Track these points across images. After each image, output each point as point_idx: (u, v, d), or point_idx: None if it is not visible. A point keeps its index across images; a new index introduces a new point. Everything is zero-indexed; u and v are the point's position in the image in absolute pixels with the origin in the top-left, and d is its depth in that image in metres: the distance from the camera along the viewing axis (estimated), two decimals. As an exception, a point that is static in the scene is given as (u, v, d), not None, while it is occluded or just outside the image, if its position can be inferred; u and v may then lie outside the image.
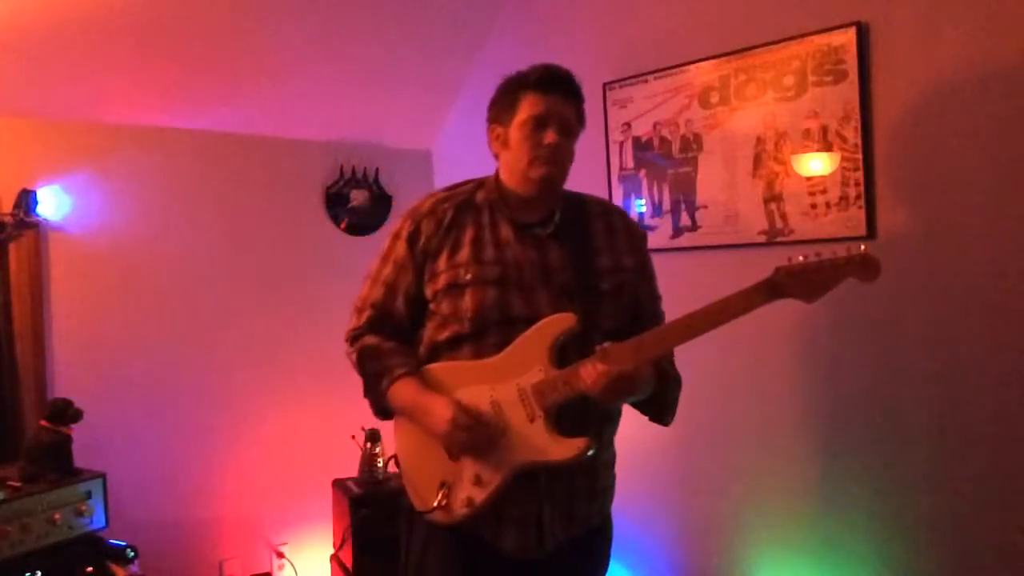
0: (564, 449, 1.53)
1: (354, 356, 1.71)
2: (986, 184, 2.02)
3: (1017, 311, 1.98)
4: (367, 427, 2.97)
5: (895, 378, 2.19)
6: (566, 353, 1.55)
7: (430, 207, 1.69)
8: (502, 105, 1.67)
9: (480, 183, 1.74)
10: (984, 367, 2.03)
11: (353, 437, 3.00)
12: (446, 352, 1.64)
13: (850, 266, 1.44)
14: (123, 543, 2.36)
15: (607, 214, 1.77)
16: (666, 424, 1.74)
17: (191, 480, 2.91)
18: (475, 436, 1.54)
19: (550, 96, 1.63)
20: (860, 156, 2.21)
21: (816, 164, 2.31)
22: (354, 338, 1.72)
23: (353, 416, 2.99)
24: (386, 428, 2.99)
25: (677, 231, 2.66)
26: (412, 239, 1.67)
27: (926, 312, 2.13)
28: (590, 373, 1.48)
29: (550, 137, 1.61)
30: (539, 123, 1.61)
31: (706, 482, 2.63)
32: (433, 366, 1.64)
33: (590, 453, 1.52)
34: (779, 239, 2.38)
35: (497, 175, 1.72)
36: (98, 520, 2.36)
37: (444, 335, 1.63)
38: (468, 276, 1.60)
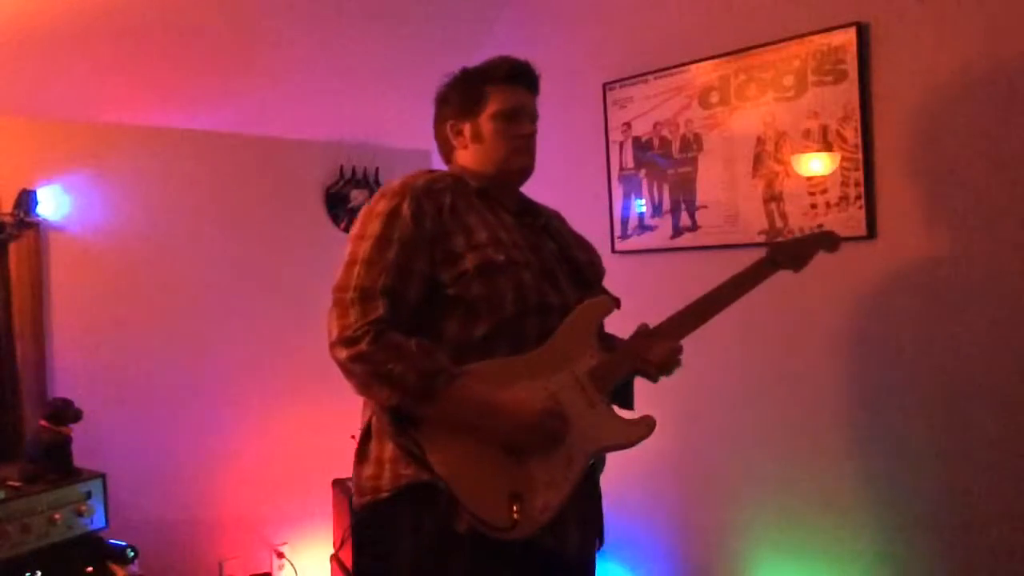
0: (636, 429, 1.54)
1: (380, 355, 1.40)
2: (986, 184, 2.02)
3: (1017, 310, 1.98)
4: (367, 427, 2.97)
5: (895, 377, 2.19)
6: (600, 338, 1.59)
7: (425, 185, 1.54)
8: (465, 99, 1.65)
9: (453, 173, 1.65)
10: (984, 366, 2.03)
11: (353, 437, 2.96)
12: (478, 352, 1.48)
13: (820, 241, 1.80)
14: (123, 543, 2.36)
15: (560, 217, 1.81)
16: (632, 409, 1.71)
17: (191, 480, 2.90)
18: (564, 427, 1.47)
19: (518, 88, 1.64)
20: (860, 156, 2.21)
21: (816, 164, 2.31)
22: (378, 334, 1.41)
23: (353, 416, 2.98)
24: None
25: (677, 231, 2.66)
26: (418, 216, 1.49)
27: (926, 312, 2.13)
28: (659, 351, 1.56)
29: (527, 128, 1.64)
30: (512, 115, 1.62)
31: (706, 482, 2.63)
32: (476, 365, 1.47)
33: None
34: (779, 239, 2.38)
35: (461, 167, 1.66)
36: (98, 520, 2.36)
37: (477, 331, 1.48)
38: (502, 257, 1.50)
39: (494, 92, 1.62)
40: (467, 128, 1.65)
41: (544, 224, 1.68)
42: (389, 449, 1.49)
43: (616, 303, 1.61)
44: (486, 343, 1.49)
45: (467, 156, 1.66)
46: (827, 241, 1.81)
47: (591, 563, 1.67)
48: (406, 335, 1.43)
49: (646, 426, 1.54)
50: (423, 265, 1.48)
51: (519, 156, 1.63)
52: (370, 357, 1.40)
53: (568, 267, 1.64)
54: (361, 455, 1.56)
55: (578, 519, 1.53)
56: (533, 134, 1.65)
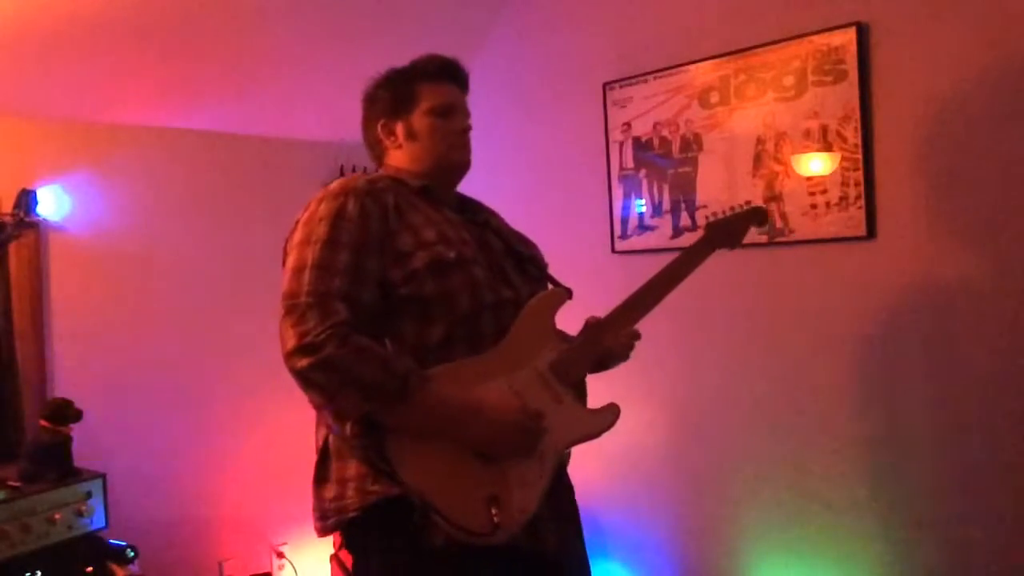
0: (603, 418, 1.52)
1: (348, 359, 1.31)
2: (986, 184, 2.02)
3: (1017, 311, 1.98)
4: (367, 427, 2.97)
5: (895, 377, 2.19)
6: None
7: (365, 187, 1.48)
8: (396, 98, 1.61)
9: (389, 174, 1.60)
10: (984, 366, 2.03)
11: (353, 437, 2.99)
12: (436, 355, 1.42)
13: (750, 216, 1.78)
14: (123, 543, 2.36)
15: (496, 213, 1.76)
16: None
17: (191, 480, 2.91)
18: (542, 426, 1.43)
19: (449, 85, 1.63)
20: (860, 156, 2.21)
21: (816, 164, 2.31)
22: (343, 337, 1.31)
23: (353, 416, 2.99)
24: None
25: (677, 231, 2.66)
26: (364, 217, 1.43)
27: (925, 311, 2.13)
28: (618, 338, 1.58)
29: (462, 122, 1.62)
30: (447, 111, 1.60)
31: (706, 482, 2.63)
32: (437, 369, 1.40)
33: None
34: (779, 239, 2.38)
35: (395, 168, 1.63)
36: (98, 520, 2.36)
37: (434, 334, 1.43)
38: (452, 254, 1.45)
39: (425, 89, 1.60)
40: (399, 127, 1.61)
41: (486, 220, 1.65)
42: (352, 467, 1.41)
43: (568, 293, 1.59)
44: (444, 344, 1.43)
45: (401, 156, 1.62)
46: (757, 216, 1.81)
47: (582, 559, 1.61)
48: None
49: (612, 414, 1.52)
50: (374, 266, 1.42)
51: (457, 151, 1.61)
52: (337, 362, 1.30)
53: (514, 262, 1.61)
54: (320, 477, 1.46)
55: (553, 515, 1.48)
56: (468, 129, 1.63)
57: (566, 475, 1.60)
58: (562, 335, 1.59)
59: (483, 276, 1.49)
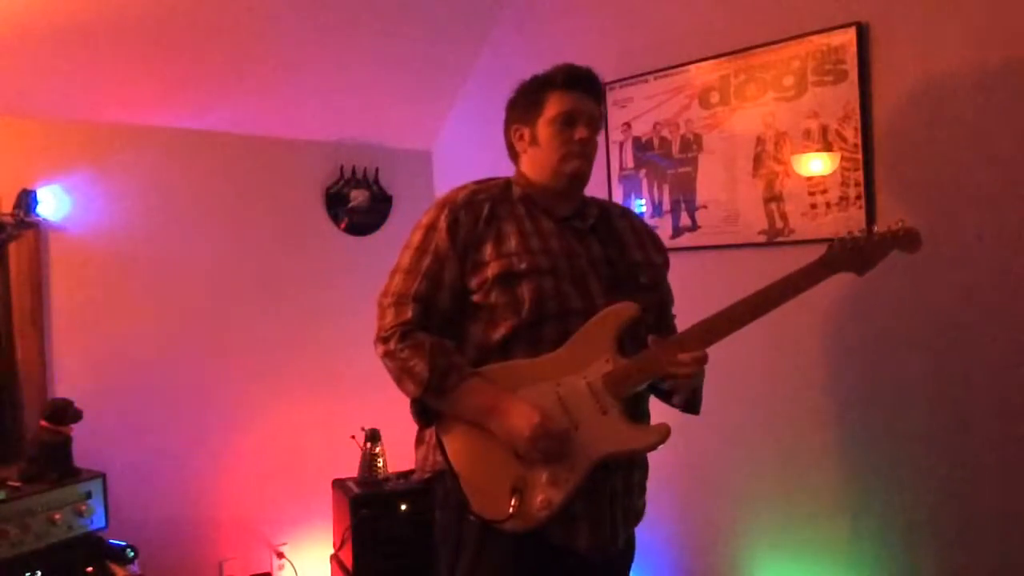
0: (646, 436, 1.55)
1: (405, 353, 1.55)
2: (986, 184, 2.02)
3: (1017, 310, 1.98)
4: (367, 427, 2.97)
5: (896, 378, 2.19)
6: (621, 343, 1.59)
7: (466, 198, 1.64)
8: (526, 104, 1.70)
9: (507, 180, 1.73)
10: (985, 366, 2.03)
11: (353, 437, 3.00)
12: (497, 355, 1.58)
13: (896, 240, 1.62)
14: (123, 543, 2.37)
15: (627, 214, 1.84)
16: (697, 413, 1.73)
17: (191, 480, 2.91)
18: (561, 443, 1.51)
19: (576, 93, 1.67)
20: (860, 156, 2.21)
21: (816, 164, 2.31)
22: (404, 334, 1.56)
23: (353, 416, 3.00)
24: (386, 428, 2.99)
25: (677, 231, 2.66)
26: (452, 229, 1.60)
27: (926, 312, 2.13)
28: (682, 360, 1.51)
29: (581, 132, 1.66)
30: (568, 119, 1.65)
31: (706, 482, 2.63)
32: (490, 367, 1.58)
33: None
34: (779, 239, 2.38)
35: (521, 173, 1.73)
36: (98, 520, 2.36)
37: (496, 335, 1.58)
38: (523, 265, 1.57)
39: (552, 97, 1.66)
40: (527, 133, 1.70)
41: (593, 226, 1.70)
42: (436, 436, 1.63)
43: (637, 308, 1.59)
44: (504, 346, 1.58)
45: (527, 161, 1.71)
46: (907, 241, 1.62)
47: (622, 567, 1.74)
48: (434, 336, 1.57)
49: (658, 433, 1.54)
50: (453, 275, 1.60)
51: (571, 161, 1.65)
52: (396, 355, 1.56)
53: (609, 270, 1.65)
54: (418, 438, 1.71)
55: (588, 516, 1.56)
56: (588, 139, 1.66)
57: (616, 478, 1.62)
58: (634, 347, 1.58)
59: (551, 286, 1.57)
